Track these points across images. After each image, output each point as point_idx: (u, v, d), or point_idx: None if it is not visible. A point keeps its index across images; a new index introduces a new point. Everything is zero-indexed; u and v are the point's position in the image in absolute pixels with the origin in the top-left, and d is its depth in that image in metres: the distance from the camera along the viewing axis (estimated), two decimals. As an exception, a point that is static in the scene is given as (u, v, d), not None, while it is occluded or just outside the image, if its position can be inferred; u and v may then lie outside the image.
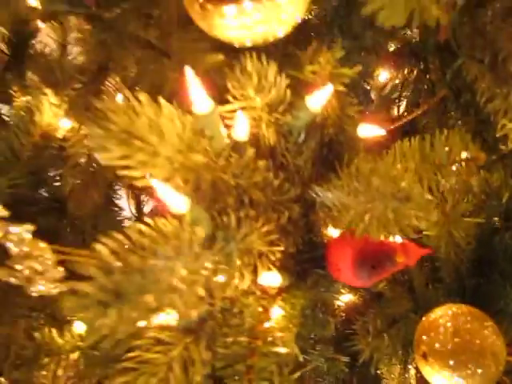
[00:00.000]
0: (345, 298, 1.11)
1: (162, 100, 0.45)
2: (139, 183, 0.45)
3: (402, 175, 0.50)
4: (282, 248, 0.58)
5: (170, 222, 0.43)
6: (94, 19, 0.72)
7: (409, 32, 1.06)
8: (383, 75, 1.10)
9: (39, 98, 0.80)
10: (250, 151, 0.55)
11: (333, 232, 0.67)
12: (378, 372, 1.21)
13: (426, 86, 1.00)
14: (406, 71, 1.04)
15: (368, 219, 0.52)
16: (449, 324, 0.58)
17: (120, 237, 0.39)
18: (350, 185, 0.55)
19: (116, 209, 1.02)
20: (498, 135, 0.63)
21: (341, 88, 0.59)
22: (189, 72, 0.44)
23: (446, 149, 0.63)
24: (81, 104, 0.76)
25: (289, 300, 0.62)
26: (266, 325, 0.60)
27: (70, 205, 0.83)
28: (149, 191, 0.48)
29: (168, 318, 0.55)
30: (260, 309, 0.60)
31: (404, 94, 1.11)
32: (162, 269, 0.42)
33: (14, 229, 0.46)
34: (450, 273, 0.80)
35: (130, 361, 0.54)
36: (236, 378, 0.54)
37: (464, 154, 0.63)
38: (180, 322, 0.55)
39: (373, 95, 1.25)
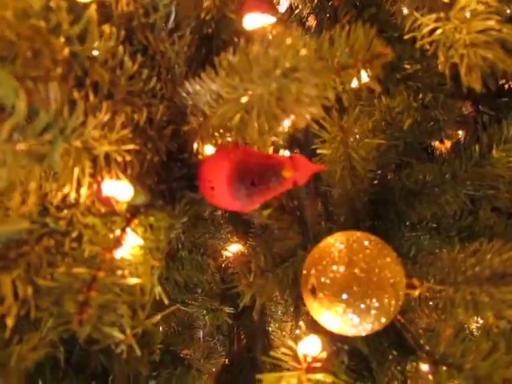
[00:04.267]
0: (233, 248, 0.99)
1: None
2: None
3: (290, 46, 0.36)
4: (135, 147, 0.42)
5: None
6: None
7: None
8: (284, 4, 0.98)
9: None
10: (92, 11, 0.38)
11: (208, 150, 0.52)
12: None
13: (328, 15, 0.88)
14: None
15: (246, 104, 0.38)
16: (342, 252, 0.47)
17: None
18: (228, 72, 0.40)
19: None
20: (406, 37, 0.52)
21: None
22: None
23: (347, 50, 0.51)
24: None
25: (147, 224, 0.47)
26: (116, 254, 0.44)
27: None
28: None
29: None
30: (109, 233, 0.44)
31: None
32: None
33: None
34: (345, 210, 0.70)
35: None
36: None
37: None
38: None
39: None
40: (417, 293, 0.50)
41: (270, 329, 1.04)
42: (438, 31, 0.48)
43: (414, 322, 0.56)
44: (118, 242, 0.44)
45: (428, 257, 0.64)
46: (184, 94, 0.48)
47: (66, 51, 0.38)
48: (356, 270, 0.45)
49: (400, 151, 0.76)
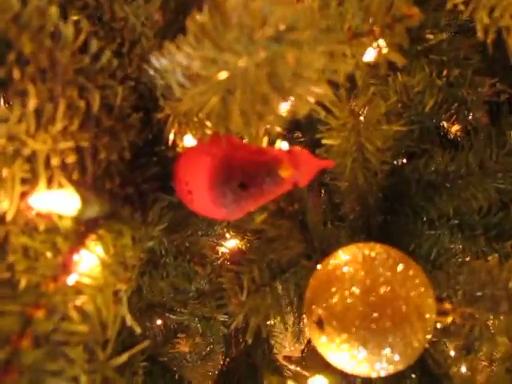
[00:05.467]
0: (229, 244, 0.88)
1: None
2: None
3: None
4: (83, 143, 0.31)
5: None
6: None
7: None
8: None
9: None
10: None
11: (189, 140, 0.41)
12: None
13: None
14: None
15: (225, 82, 0.26)
16: (358, 274, 0.35)
17: None
18: (199, 38, 0.28)
19: None
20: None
21: None
22: None
23: (361, 12, 0.38)
24: None
25: (109, 240, 0.36)
26: (69, 280, 0.33)
27: None
28: None
29: None
30: (53, 257, 0.33)
31: None
32: None
33: None
34: (354, 207, 0.58)
35: None
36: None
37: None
38: None
39: None
40: (449, 320, 0.39)
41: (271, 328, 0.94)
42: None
43: (440, 348, 0.45)
44: (65, 268, 0.33)
45: (455, 264, 0.53)
46: (152, 72, 0.36)
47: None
48: (375, 299, 0.34)
49: (416, 137, 0.64)
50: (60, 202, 0.30)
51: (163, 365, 0.71)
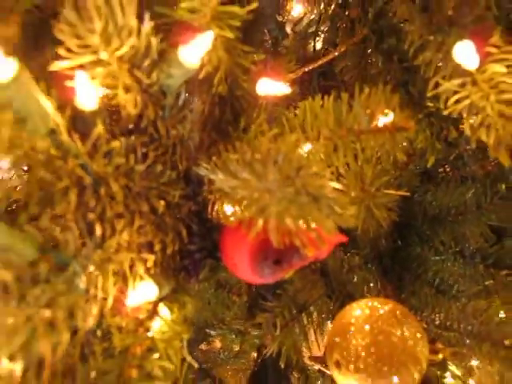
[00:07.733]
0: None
1: None
2: None
3: (307, 161, 0.34)
4: (157, 246, 0.41)
5: None
6: None
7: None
8: (297, 9, 0.92)
9: None
10: (99, 128, 0.36)
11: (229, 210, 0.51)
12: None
13: (344, 24, 0.83)
14: (322, 6, 0.86)
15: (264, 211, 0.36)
16: (367, 327, 0.46)
17: None
18: (242, 165, 0.38)
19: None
20: (428, 95, 0.48)
21: (229, 34, 0.41)
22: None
23: (368, 111, 0.48)
24: None
25: (176, 309, 0.47)
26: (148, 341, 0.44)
27: None
28: None
29: None
30: (138, 329, 0.44)
31: (321, 29, 0.94)
32: None
33: None
34: (367, 243, 0.68)
35: None
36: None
37: (388, 116, 0.48)
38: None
39: (288, 29, 1.07)
40: (440, 357, 0.49)
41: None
42: (466, 101, 0.44)
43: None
44: (145, 333, 0.44)
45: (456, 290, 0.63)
46: (201, 172, 0.46)
47: (80, 173, 0.36)
48: (380, 348, 0.44)
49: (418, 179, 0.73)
50: (144, 293, 0.41)
51: (204, 370, 0.83)
